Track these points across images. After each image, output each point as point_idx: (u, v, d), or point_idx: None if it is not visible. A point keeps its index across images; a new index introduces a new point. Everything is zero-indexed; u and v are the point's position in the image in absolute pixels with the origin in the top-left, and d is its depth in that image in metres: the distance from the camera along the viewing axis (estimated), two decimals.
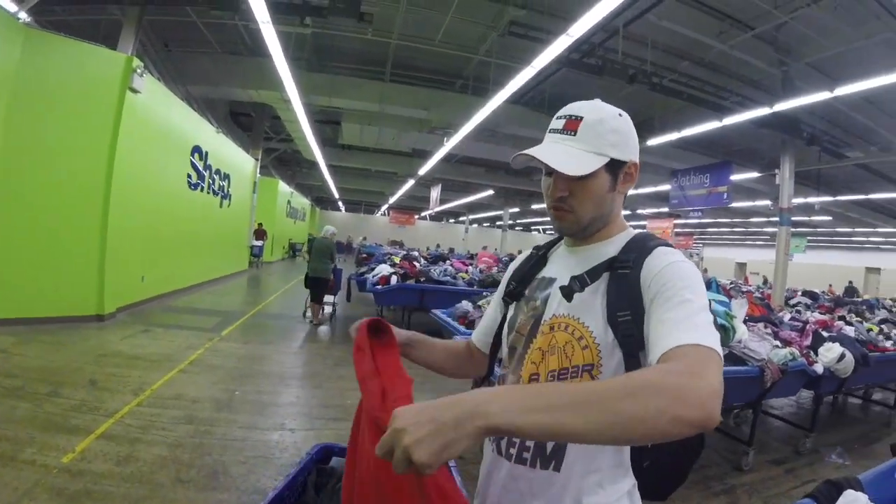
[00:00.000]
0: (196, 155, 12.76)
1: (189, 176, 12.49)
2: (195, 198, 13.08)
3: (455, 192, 31.12)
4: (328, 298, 10.92)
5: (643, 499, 1.30)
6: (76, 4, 10.40)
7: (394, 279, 10.07)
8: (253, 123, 19.66)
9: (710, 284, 7.34)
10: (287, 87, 11.40)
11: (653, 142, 13.45)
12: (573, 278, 1.27)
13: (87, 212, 8.36)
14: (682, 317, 1.03)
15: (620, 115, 1.32)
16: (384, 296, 9.78)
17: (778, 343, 5.38)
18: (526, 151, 1.27)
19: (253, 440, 4.69)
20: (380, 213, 51.59)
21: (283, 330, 9.95)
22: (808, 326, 6.35)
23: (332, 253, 10.44)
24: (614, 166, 1.29)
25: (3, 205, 7.44)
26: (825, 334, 6.04)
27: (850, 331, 6.77)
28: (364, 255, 16.87)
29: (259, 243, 21.83)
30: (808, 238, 27.24)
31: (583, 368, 1.22)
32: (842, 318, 8.53)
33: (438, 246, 32.42)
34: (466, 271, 12.23)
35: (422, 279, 10.47)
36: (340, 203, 48.55)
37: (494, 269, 12.47)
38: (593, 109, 1.29)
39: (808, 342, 5.75)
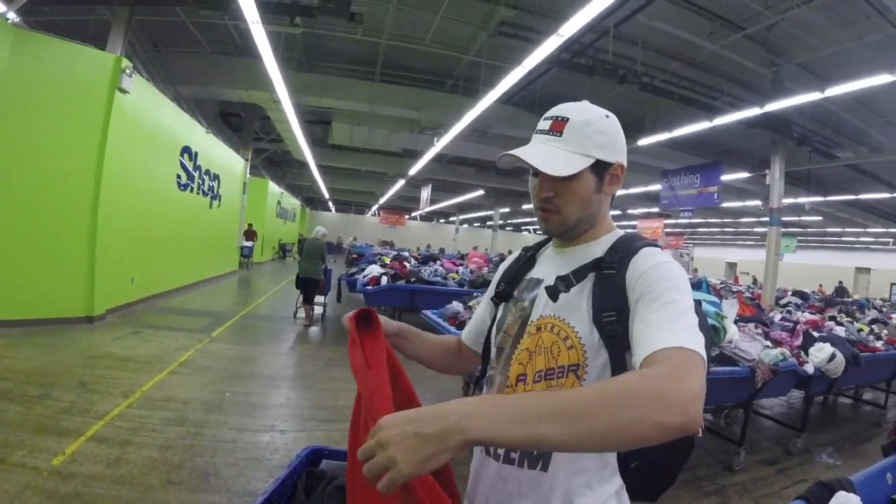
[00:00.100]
0: (186, 155, 12.70)
1: (179, 177, 12.42)
2: (185, 198, 13.00)
3: (445, 193, 31.12)
4: (318, 299, 10.90)
5: (633, 499, 1.30)
6: (65, 5, 10.32)
7: (384, 280, 10.04)
8: (243, 124, 19.60)
9: (700, 284, 7.35)
10: (277, 87, 11.35)
11: (643, 142, 13.50)
12: (558, 279, 1.27)
13: (77, 213, 8.30)
14: (667, 319, 1.03)
15: (607, 116, 1.32)
16: (374, 296, 9.73)
17: (769, 343, 5.38)
18: (511, 152, 1.27)
19: (244, 442, 4.66)
20: (370, 213, 51.56)
21: (273, 331, 9.92)
22: (798, 327, 6.36)
23: (323, 253, 10.40)
24: (600, 167, 1.29)
25: None
26: (816, 334, 6.06)
27: (840, 331, 6.80)
28: (354, 256, 16.77)
29: (249, 244, 21.76)
30: (799, 238, 27.32)
31: (568, 369, 1.22)
32: (832, 318, 8.57)
33: (429, 246, 32.40)
34: (457, 272, 12.21)
35: (412, 280, 10.47)
36: (331, 203, 48.56)
37: (485, 270, 12.47)
38: (580, 111, 1.30)
39: (798, 342, 5.76)
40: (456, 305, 6.84)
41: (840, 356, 5.49)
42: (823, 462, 5.31)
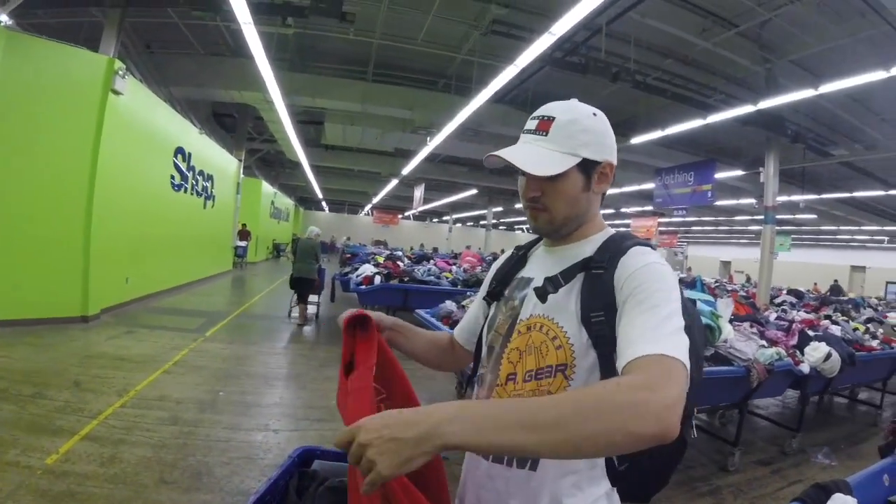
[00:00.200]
0: (179, 156, 12.75)
1: (172, 177, 12.48)
2: (179, 199, 13.05)
3: (439, 192, 31.25)
4: (312, 298, 10.93)
5: (624, 501, 1.30)
6: (57, 7, 10.32)
7: (377, 279, 10.06)
8: (236, 124, 19.64)
9: (694, 283, 7.30)
10: (269, 87, 11.38)
11: (636, 140, 13.49)
12: (546, 279, 1.28)
13: (71, 213, 8.34)
14: (651, 324, 1.03)
15: (595, 114, 1.32)
16: (368, 296, 9.73)
17: (764, 343, 5.35)
18: (497, 153, 1.28)
19: (237, 441, 4.67)
20: (363, 213, 51.78)
21: (267, 330, 9.94)
22: (794, 326, 6.31)
23: (317, 253, 10.44)
24: (588, 166, 1.29)
25: None
26: (811, 333, 6.02)
27: (836, 330, 6.78)
28: (348, 255, 16.87)
29: (243, 244, 21.88)
30: (793, 236, 27.36)
31: (556, 368, 1.23)
32: (828, 317, 8.55)
33: (422, 246, 32.50)
34: (450, 271, 12.19)
35: (405, 279, 10.49)
36: (324, 203, 48.73)
37: (478, 269, 12.48)
38: (566, 110, 1.30)
39: (794, 342, 5.72)
40: (449, 304, 6.84)
41: (836, 355, 5.46)
42: (819, 462, 5.28)
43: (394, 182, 26.52)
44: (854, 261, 36.56)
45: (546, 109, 1.31)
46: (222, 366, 7.06)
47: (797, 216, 23.51)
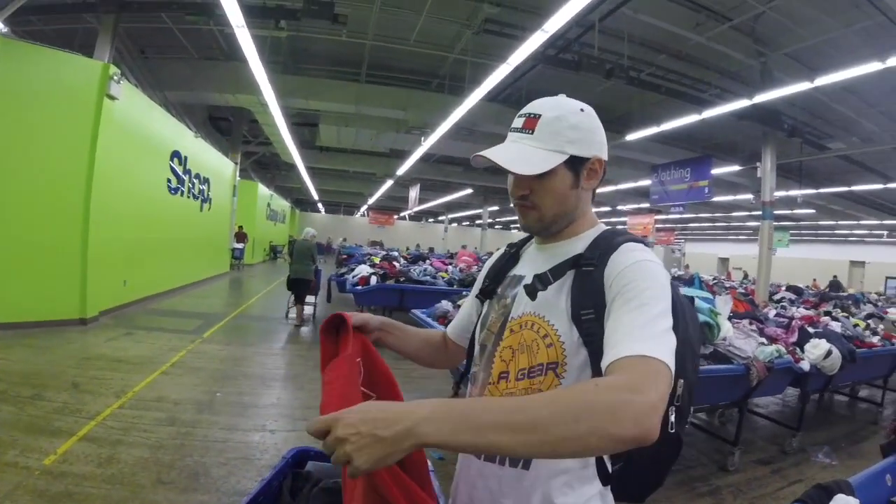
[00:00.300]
0: (175, 160, 12.86)
1: (169, 181, 12.59)
2: (175, 202, 13.16)
3: (434, 192, 31.38)
4: (309, 299, 10.95)
5: (619, 501, 1.30)
6: (52, 14, 10.40)
7: (373, 279, 10.18)
8: (231, 127, 19.79)
9: (692, 281, 7.27)
10: (263, 90, 11.47)
11: (631, 137, 13.46)
12: (536, 277, 1.27)
13: (68, 217, 8.43)
14: (638, 323, 1.02)
15: (582, 110, 1.29)
16: (364, 296, 9.93)
17: (763, 340, 5.31)
18: (482, 153, 1.27)
19: (234, 441, 4.69)
20: (359, 213, 51.99)
21: (265, 331, 10.03)
22: (793, 322, 6.26)
23: (313, 254, 10.44)
24: (576, 163, 1.27)
25: None
26: (811, 330, 5.98)
27: (836, 326, 6.76)
28: (344, 256, 17.08)
29: (240, 246, 22.15)
30: (791, 232, 27.30)
31: (547, 366, 1.22)
32: (827, 313, 8.51)
33: (418, 246, 32.63)
34: (446, 271, 12.33)
35: (401, 279, 10.60)
36: (320, 205, 49.06)
37: (474, 269, 12.52)
38: (553, 106, 1.28)
39: (793, 339, 5.67)
40: (445, 304, 6.92)
41: (836, 352, 5.41)
42: (819, 462, 5.23)
43: (389, 183, 26.61)
44: (853, 256, 36.50)
45: (532, 107, 1.29)
46: (220, 367, 7.10)
47: (795, 211, 23.43)
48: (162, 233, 12.24)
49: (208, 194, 16.07)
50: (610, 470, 1.23)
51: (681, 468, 4.79)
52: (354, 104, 13.82)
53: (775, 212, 14.85)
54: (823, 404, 7.67)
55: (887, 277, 28.32)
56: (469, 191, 28.49)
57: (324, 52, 13.11)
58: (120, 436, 4.45)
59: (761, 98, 10.14)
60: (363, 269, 10.88)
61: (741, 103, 10.61)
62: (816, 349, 5.40)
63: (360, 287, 9.88)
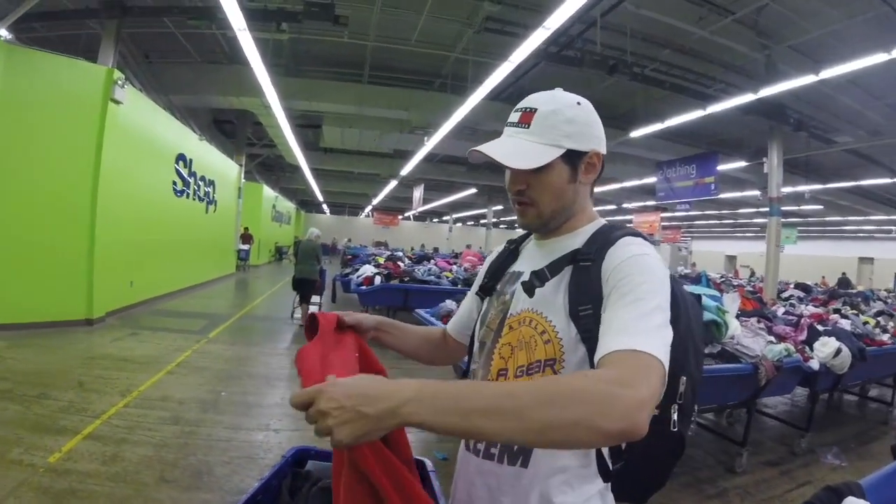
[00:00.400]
0: (181, 162, 12.99)
1: (174, 183, 12.72)
2: (181, 204, 13.30)
3: (438, 192, 31.46)
4: (314, 299, 10.96)
5: (620, 501, 1.28)
6: (55, 20, 10.51)
7: (377, 279, 10.26)
8: (236, 130, 19.97)
9: (700, 279, 7.19)
10: (267, 92, 11.56)
11: (636, 133, 13.42)
12: (533, 273, 1.26)
13: (75, 220, 8.52)
14: (631, 318, 1.00)
15: (579, 103, 1.28)
16: (368, 296, 9.97)
17: (772, 338, 5.23)
18: (478, 148, 1.25)
19: (238, 441, 4.71)
20: (364, 214, 52.28)
21: (270, 331, 10.10)
22: (802, 320, 6.18)
23: (318, 254, 10.47)
24: (573, 157, 1.25)
25: None
26: (820, 328, 5.87)
27: (846, 324, 6.64)
28: (349, 257, 17.30)
29: (246, 247, 22.38)
30: (799, 228, 27.07)
31: (545, 363, 1.21)
32: (837, 310, 8.38)
33: (423, 246, 32.67)
34: (451, 270, 12.39)
35: (406, 279, 10.64)
36: (325, 206, 49.42)
37: (479, 268, 12.40)
38: (549, 100, 1.27)
39: (802, 337, 5.58)
40: (449, 304, 6.96)
41: (846, 350, 5.30)
42: (829, 463, 5.14)
43: (393, 183, 26.77)
44: (861, 252, 36.19)
45: (528, 101, 1.28)
46: (224, 367, 7.14)
47: (802, 207, 23.26)
48: (168, 234, 12.35)
49: (213, 196, 16.22)
50: (611, 468, 1.21)
51: (688, 470, 4.72)
52: (357, 105, 13.85)
53: (783, 208, 14.72)
54: (833, 404, 7.54)
55: None
56: (473, 190, 28.54)
57: (325, 53, 13.15)
58: (124, 434, 4.48)
59: (766, 92, 10.02)
60: (367, 269, 10.97)
61: (746, 98, 10.52)
62: (826, 347, 5.29)
63: (364, 287, 9.93)
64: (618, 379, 0.86)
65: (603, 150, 1.30)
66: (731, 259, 45.57)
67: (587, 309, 1.13)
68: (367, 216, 50.14)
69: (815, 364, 5.11)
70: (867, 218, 27.04)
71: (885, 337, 6.62)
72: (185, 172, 13.18)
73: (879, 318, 7.99)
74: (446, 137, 14.50)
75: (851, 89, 11.55)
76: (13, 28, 8.95)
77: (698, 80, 11.70)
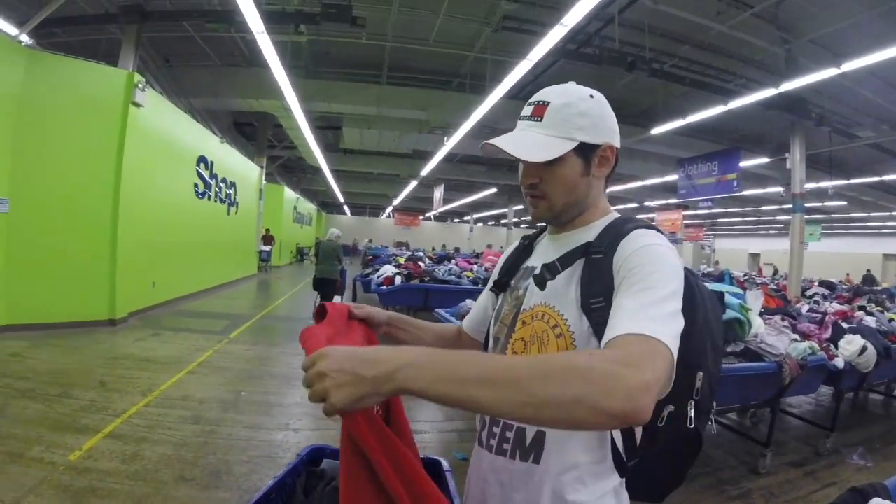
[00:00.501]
0: (202, 165, 13.12)
1: (196, 185, 12.85)
2: (202, 206, 13.43)
3: (458, 192, 31.39)
4: (335, 299, 10.90)
5: (635, 499, 1.28)
6: (76, 25, 10.68)
7: (398, 279, 10.24)
8: (256, 132, 20.07)
9: (723, 277, 7.13)
10: (286, 94, 11.62)
11: (656, 130, 13.30)
12: (544, 266, 1.28)
13: (98, 222, 8.70)
14: (640, 305, 0.99)
15: (592, 96, 1.28)
16: (388, 296, 9.93)
17: (796, 336, 5.14)
18: (490, 141, 1.26)
19: (257, 440, 4.74)
20: (385, 215, 52.20)
21: (291, 332, 10.06)
22: (827, 318, 6.06)
23: (339, 254, 10.56)
24: (586, 150, 1.25)
25: (18, 219, 7.77)
26: (845, 326, 5.77)
27: (871, 321, 6.51)
28: (370, 257, 17.27)
29: (267, 248, 22.55)
30: (823, 225, 26.73)
31: None
32: (861, 308, 8.24)
33: (444, 246, 32.70)
34: (471, 270, 12.39)
35: (426, 279, 10.62)
36: (346, 207, 49.33)
37: None
38: (561, 93, 1.27)
39: (827, 335, 5.48)
40: (469, 303, 6.81)
41: (871, 349, 5.20)
42: (854, 463, 5.05)
43: (413, 183, 26.75)
44: (886, 249, 35.59)
45: (541, 94, 1.29)
46: (245, 366, 7.19)
47: (826, 203, 22.96)
48: (189, 236, 12.51)
49: (235, 198, 16.33)
50: (627, 466, 1.21)
51: (710, 470, 4.69)
52: (376, 106, 13.90)
53: (806, 204, 14.54)
54: (858, 403, 7.43)
55: None
56: (493, 190, 28.40)
57: (344, 55, 13.21)
58: (145, 433, 4.53)
59: (787, 86, 9.91)
60: (388, 269, 10.98)
61: (767, 92, 10.37)
62: (851, 345, 5.20)
63: (384, 287, 9.93)
64: (623, 359, 0.86)
65: (617, 143, 1.30)
66: (755, 257, 45.06)
67: (599, 302, 1.12)
68: (388, 217, 50.02)
69: (839, 362, 5.03)
70: (891, 214, 26.56)
71: None
72: (206, 174, 13.30)
73: None
74: (466, 137, 14.42)
75: (872, 82, 11.35)
76: (34, 33, 9.06)
77: (718, 76, 11.56)
